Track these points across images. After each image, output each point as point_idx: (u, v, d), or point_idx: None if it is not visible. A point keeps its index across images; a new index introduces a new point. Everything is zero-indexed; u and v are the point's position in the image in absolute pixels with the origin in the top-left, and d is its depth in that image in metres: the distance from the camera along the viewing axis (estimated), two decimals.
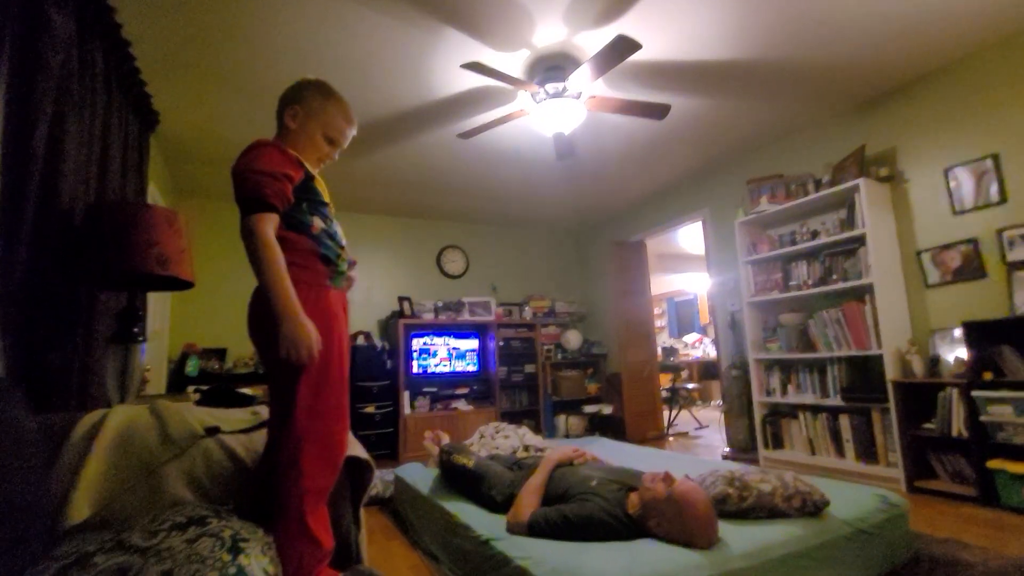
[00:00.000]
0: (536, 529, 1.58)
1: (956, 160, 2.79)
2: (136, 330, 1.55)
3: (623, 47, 2.23)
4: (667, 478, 1.54)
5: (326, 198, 1.36)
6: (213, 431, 1.18)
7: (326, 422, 1.19)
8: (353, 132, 1.45)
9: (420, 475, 2.49)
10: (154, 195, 3.23)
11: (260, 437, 1.27)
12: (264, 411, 1.38)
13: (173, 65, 2.53)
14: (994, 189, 2.63)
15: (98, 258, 1.42)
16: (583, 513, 1.55)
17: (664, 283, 8.68)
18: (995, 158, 2.63)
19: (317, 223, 1.28)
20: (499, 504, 1.86)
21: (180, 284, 1.74)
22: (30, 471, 0.85)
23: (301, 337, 1.08)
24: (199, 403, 1.72)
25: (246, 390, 2.44)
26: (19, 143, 1.36)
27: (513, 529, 1.65)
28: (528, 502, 1.70)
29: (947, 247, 2.81)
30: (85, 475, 0.97)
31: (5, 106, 1.32)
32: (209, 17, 2.21)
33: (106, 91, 1.99)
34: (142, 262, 1.45)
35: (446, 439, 2.75)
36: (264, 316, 1.13)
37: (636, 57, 2.55)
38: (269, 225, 1.16)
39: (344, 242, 1.38)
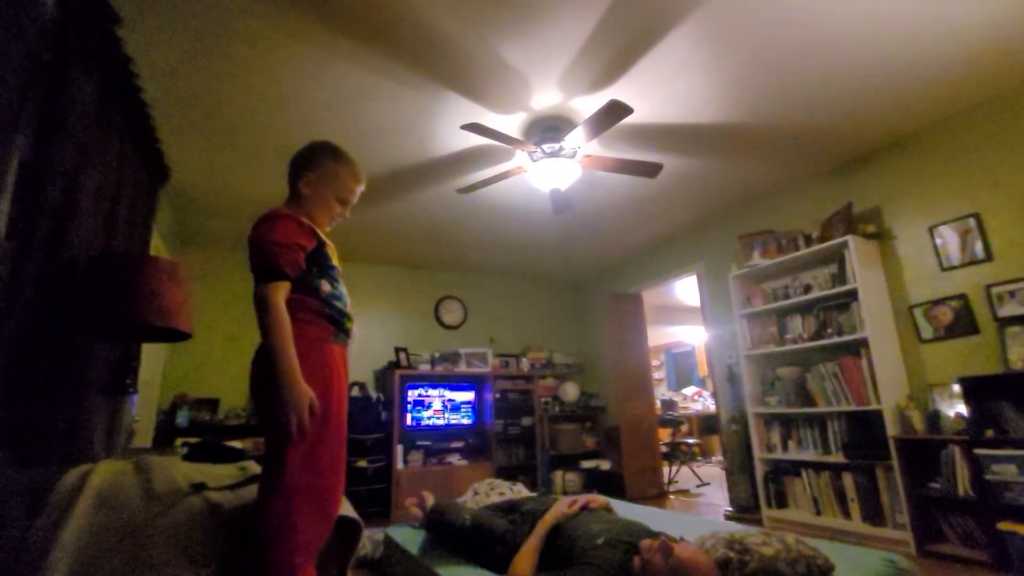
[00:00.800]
0: None
1: (940, 218, 2.88)
2: (128, 381, 1.54)
3: (616, 111, 2.36)
4: (664, 548, 1.48)
5: (335, 262, 1.43)
6: (199, 487, 1.16)
7: (321, 476, 1.19)
8: (362, 189, 1.54)
9: (411, 535, 2.39)
10: (156, 243, 3.28)
11: (248, 493, 1.24)
12: (253, 466, 1.35)
13: (187, 122, 2.64)
14: (979, 247, 2.70)
15: (98, 309, 1.43)
16: None
17: (662, 335, 8.68)
18: (977, 217, 2.72)
19: (325, 287, 1.35)
20: (498, 562, 1.77)
21: (178, 335, 1.74)
22: (8, 530, 0.82)
23: (299, 406, 1.14)
24: (186, 458, 1.68)
25: (237, 443, 2.39)
26: (32, 198, 1.40)
27: None
28: (523, 570, 1.62)
29: (938, 303, 2.85)
30: (65, 534, 0.93)
31: (21, 160, 1.38)
32: (224, 80, 2.34)
33: (121, 147, 2.08)
34: (142, 313, 1.47)
35: (430, 499, 2.64)
36: (266, 376, 1.18)
37: (628, 120, 2.68)
38: (281, 294, 1.23)
39: (349, 303, 1.44)
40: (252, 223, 1.35)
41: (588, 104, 2.63)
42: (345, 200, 1.47)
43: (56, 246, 1.49)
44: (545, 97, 2.58)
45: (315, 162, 1.44)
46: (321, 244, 1.37)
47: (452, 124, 2.76)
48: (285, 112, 2.61)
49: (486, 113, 2.68)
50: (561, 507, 1.93)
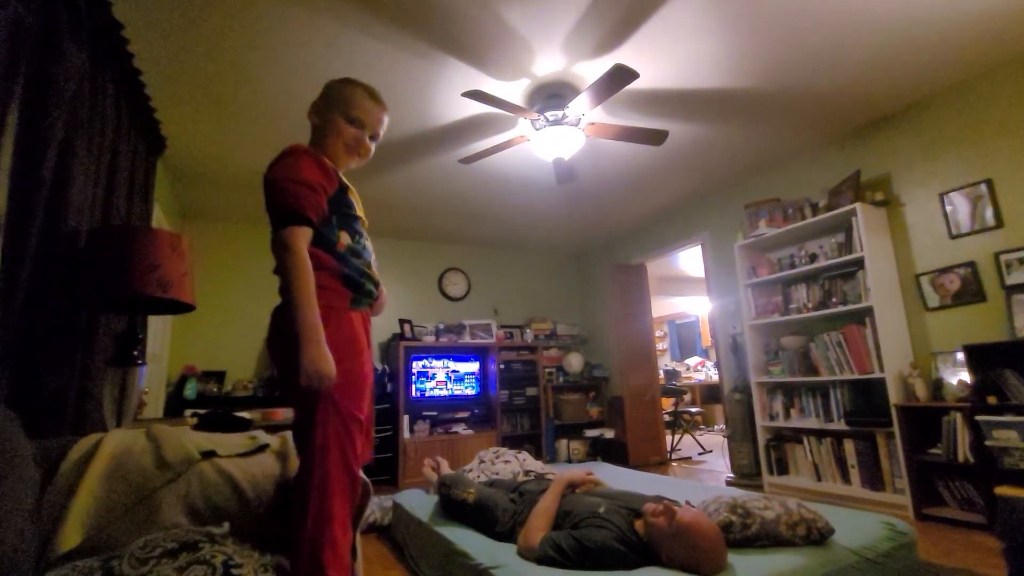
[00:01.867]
0: (548, 553, 1.54)
1: (950, 185, 2.82)
2: (135, 353, 1.55)
3: (621, 76, 2.29)
4: (668, 510, 1.51)
5: (359, 211, 1.31)
6: (209, 455, 1.17)
7: (349, 439, 1.13)
8: (383, 114, 1.35)
9: (419, 502, 2.46)
10: (159, 217, 3.27)
11: (258, 461, 1.26)
12: (262, 435, 1.37)
13: (183, 91, 2.59)
14: (989, 213, 2.65)
15: (100, 282, 1.43)
16: (597, 539, 1.52)
17: (665, 305, 8.68)
18: (989, 183, 2.66)
19: (344, 239, 1.22)
20: (500, 537, 1.83)
21: (181, 307, 1.75)
22: (22, 497, 0.84)
23: (322, 368, 1.04)
24: (196, 428, 1.71)
25: (244, 414, 2.42)
26: (28, 170, 1.38)
27: (524, 553, 1.62)
28: (538, 525, 1.67)
29: (945, 271, 2.82)
30: (77, 501, 0.95)
31: (16, 134, 1.36)
32: (220, 47, 2.28)
33: (116, 117, 2.04)
34: (144, 285, 1.47)
35: (445, 465, 2.71)
36: (284, 336, 1.10)
37: (633, 85, 2.61)
38: (304, 240, 1.11)
39: (372, 259, 1.31)
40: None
41: (592, 69, 2.55)
42: (356, 119, 1.28)
43: (56, 219, 1.48)
44: (548, 62, 2.50)
45: (323, 91, 1.33)
46: (344, 188, 1.24)
47: (453, 91, 2.69)
48: (283, 79, 2.54)
49: (487, 80, 2.61)
50: (576, 473, 1.99)
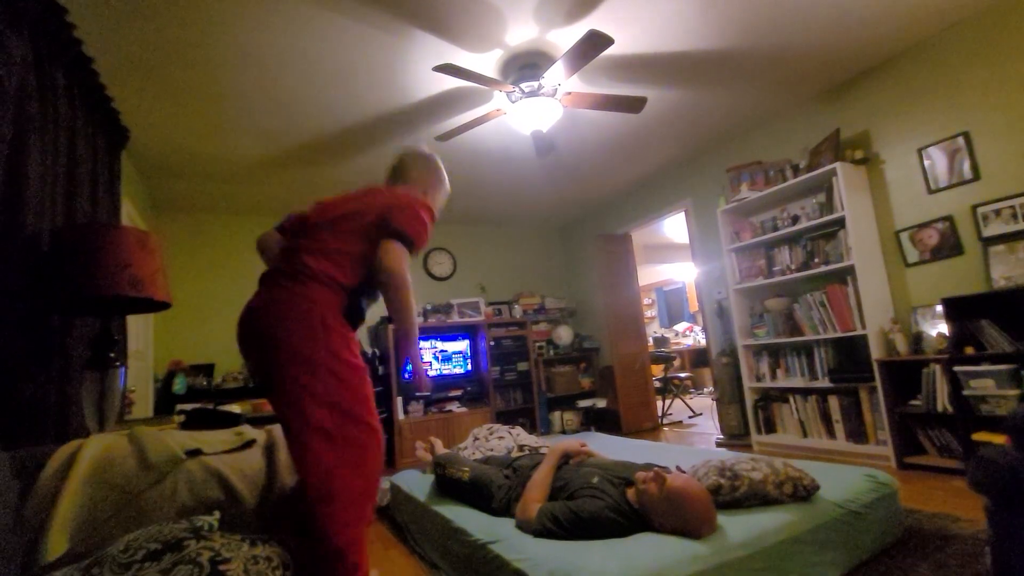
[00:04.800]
0: (544, 524, 1.57)
1: (928, 140, 2.82)
2: (112, 355, 1.52)
3: (595, 42, 2.23)
4: (658, 477, 1.54)
5: None
6: (195, 453, 1.16)
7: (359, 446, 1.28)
8: None
9: (416, 482, 2.48)
10: (129, 212, 3.17)
11: (246, 457, 1.25)
12: (248, 431, 1.36)
13: (141, 80, 2.47)
14: (967, 166, 2.67)
15: (67, 283, 1.39)
16: (592, 510, 1.55)
17: (652, 273, 8.73)
18: (966, 136, 2.67)
19: (366, 300, 1.48)
20: (496, 512, 1.86)
21: (157, 305, 1.71)
22: (2, 509, 0.82)
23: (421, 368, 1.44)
24: (183, 425, 1.69)
25: (234, 406, 2.40)
26: None
27: (521, 526, 1.65)
28: (534, 497, 1.70)
29: (924, 226, 2.85)
30: (60, 509, 0.94)
31: None
32: (175, 30, 2.16)
33: (70, 110, 1.94)
34: (114, 285, 1.42)
35: (439, 445, 2.73)
36: (315, 332, 1.23)
37: (609, 52, 2.55)
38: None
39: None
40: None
41: (566, 37, 2.48)
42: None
43: (14, 221, 1.42)
44: (520, 31, 2.42)
45: (437, 182, 1.66)
46: None
47: (424, 66, 2.60)
48: (246, 62, 2.44)
49: (459, 52, 2.53)
50: (573, 444, 2.02)
